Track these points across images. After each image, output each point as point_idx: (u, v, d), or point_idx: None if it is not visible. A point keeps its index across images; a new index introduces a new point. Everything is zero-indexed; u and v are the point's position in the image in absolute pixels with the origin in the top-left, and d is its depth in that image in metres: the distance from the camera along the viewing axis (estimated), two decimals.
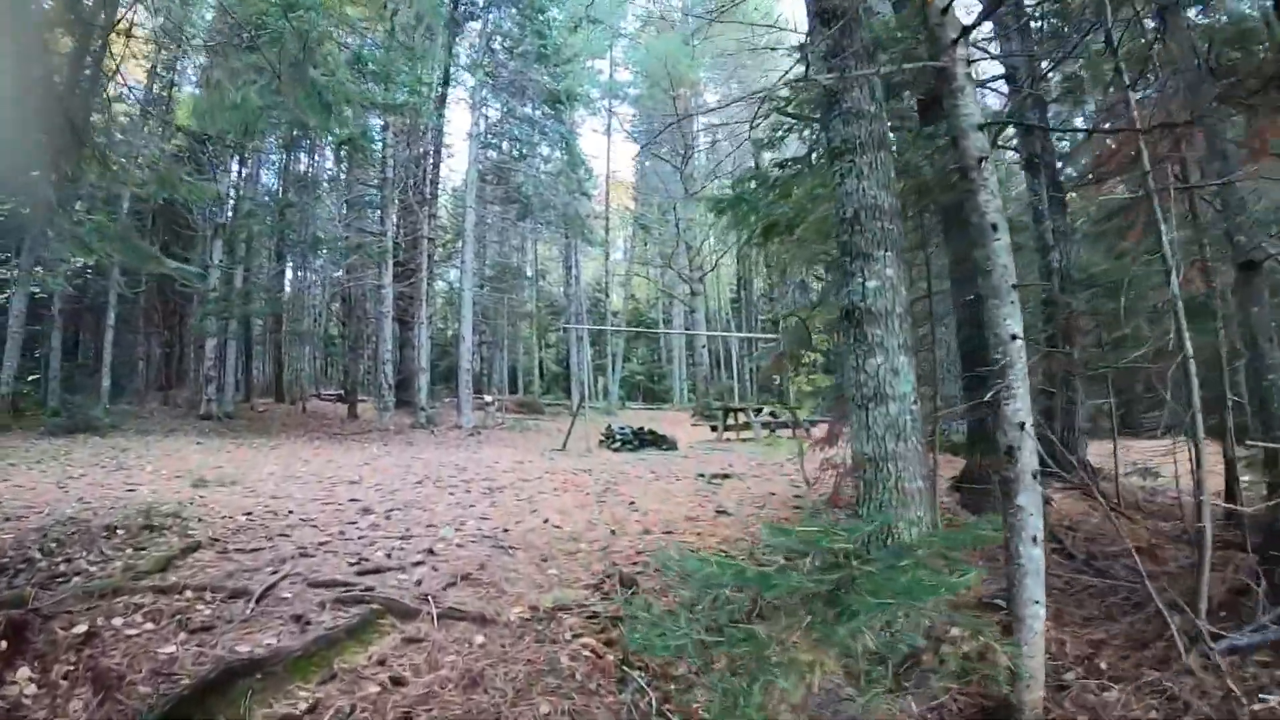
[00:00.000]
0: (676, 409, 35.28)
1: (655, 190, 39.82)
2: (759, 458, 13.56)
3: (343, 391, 31.76)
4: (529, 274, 38.48)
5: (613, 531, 6.24)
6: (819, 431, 19.65)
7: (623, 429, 16.59)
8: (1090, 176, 6.73)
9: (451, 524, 6.49)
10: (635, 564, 5.32)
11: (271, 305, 21.40)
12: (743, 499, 7.98)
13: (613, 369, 34.30)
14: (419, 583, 4.80)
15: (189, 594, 4.48)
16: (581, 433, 16.03)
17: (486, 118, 28.98)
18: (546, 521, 6.66)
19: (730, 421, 19.50)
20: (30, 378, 21.75)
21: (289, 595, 4.54)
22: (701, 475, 9.95)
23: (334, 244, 21.53)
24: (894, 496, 4.44)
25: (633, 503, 7.74)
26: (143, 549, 5.44)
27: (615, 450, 15.57)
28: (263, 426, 19.45)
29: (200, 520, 6.42)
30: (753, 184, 7.63)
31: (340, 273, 27.59)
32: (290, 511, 6.99)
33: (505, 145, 31.91)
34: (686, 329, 42.63)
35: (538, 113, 25.95)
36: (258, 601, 4.41)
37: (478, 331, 32.44)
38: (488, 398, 22.43)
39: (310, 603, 4.40)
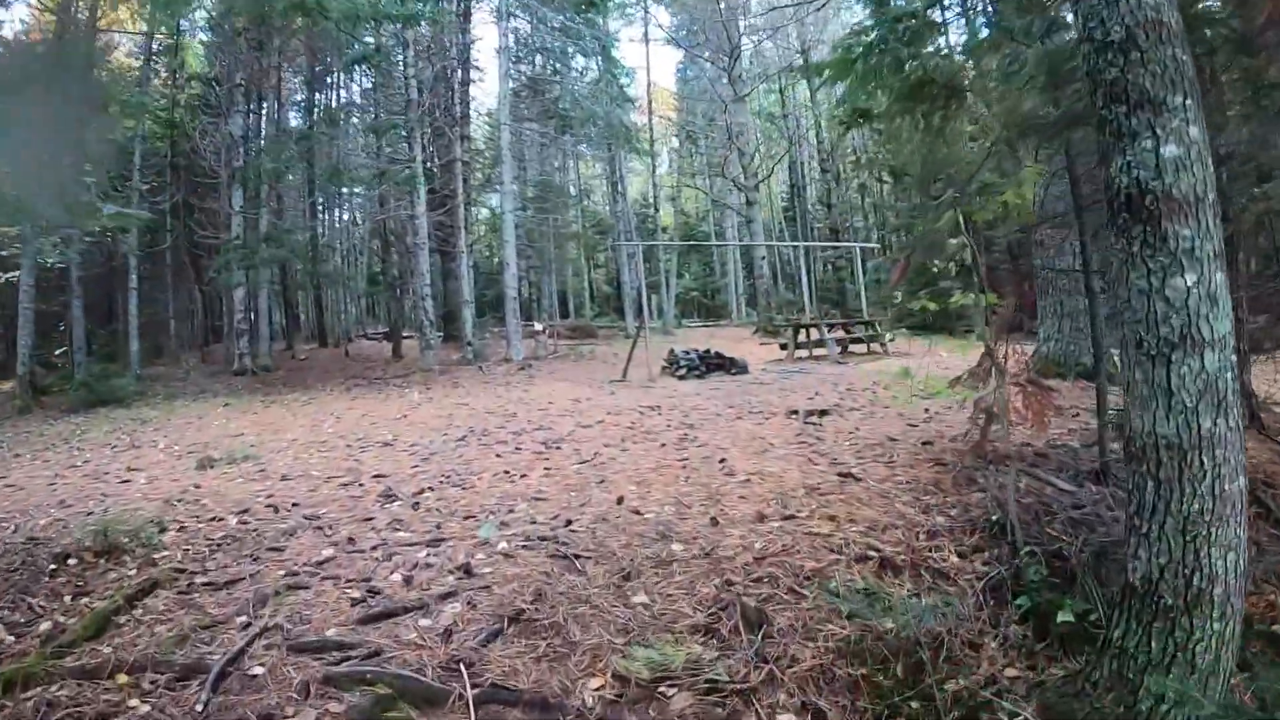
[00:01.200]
0: (735, 325, 33.65)
1: (700, 97, 37.57)
2: (846, 381, 11.95)
3: (387, 330, 30.69)
4: (573, 193, 36.67)
5: (714, 520, 4.62)
6: (896, 348, 18.14)
7: (687, 353, 15.03)
8: None
9: (496, 513, 5.00)
10: (758, 579, 3.78)
11: (297, 248, 19.84)
12: (859, 448, 6.37)
13: (666, 287, 32.63)
14: (448, 634, 3.30)
15: (122, 678, 3.06)
16: (642, 358, 14.51)
17: (516, 30, 27.06)
18: (621, 502, 5.08)
19: (801, 339, 17.84)
20: (60, 350, 20.75)
21: (260, 671, 3.08)
22: (795, 413, 8.34)
23: (355, 175, 19.91)
24: (1207, 506, 2.78)
25: (724, 461, 6.15)
26: (86, 591, 4.05)
27: (681, 378, 14.06)
28: (300, 377, 18.26)
29: (178, 530, 5.03)
30: (879, 33, 5.59)
31: (377, 207, 26.31)
32: (294, 505, 5.54)
33: (539, 60, 30.00)
34: (742, 240, 40.74)
35: (570, 21, 23.87)
36: (215, 686, 2.97)
37: (523, 257, 30.91)
38: (537, 326, 21.00)
39: (288, 685, 2.96)
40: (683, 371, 14.21)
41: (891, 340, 18.48)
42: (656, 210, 35.81)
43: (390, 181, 18.75)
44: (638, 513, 4.86)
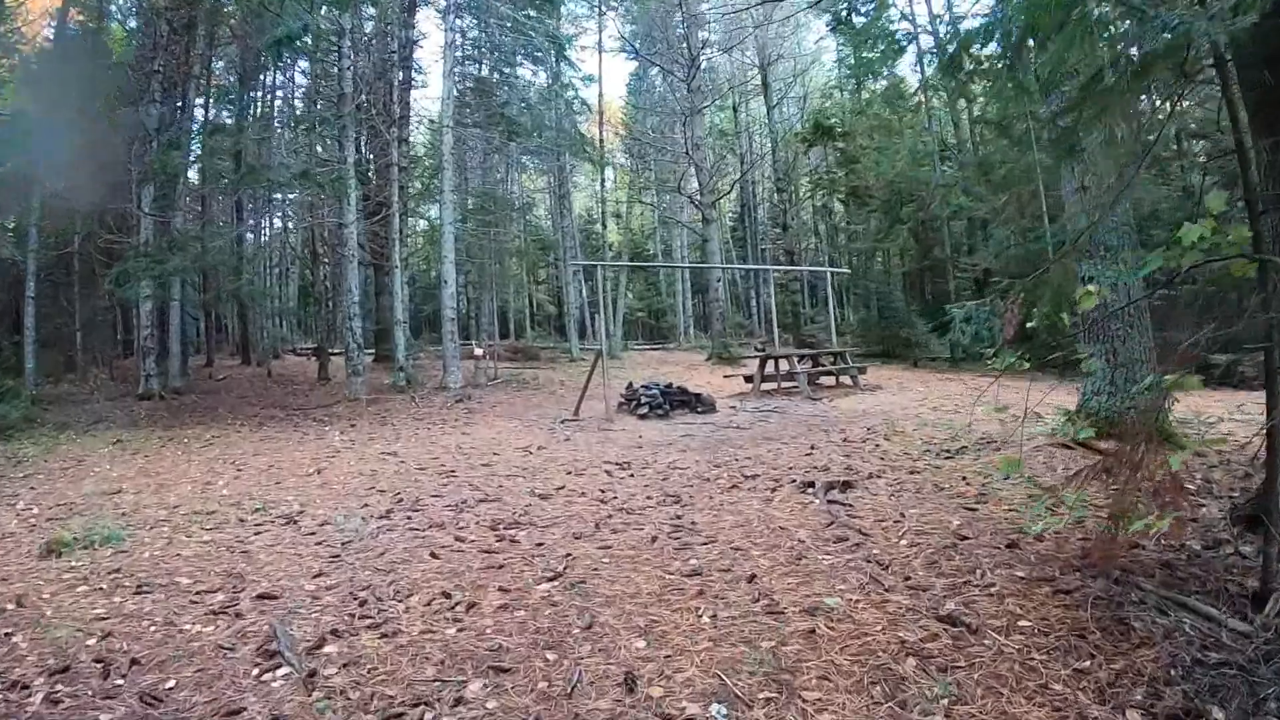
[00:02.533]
0: (685, 349, 32.17)
1: (654, 108, 36.17)
2: (836, 428, 10.44)
3: (314, 348, 28.55)
4: (516, 205, 34.93)
5: None
6: (868, 379, 16.78)
7: (648, 388, 13.37)
8: None
9: (437, 704, 3.26)
10: None
11: (215, 258, 17.70)
12: (926, 554, 4.69)
13: (613, 307, 30.98)
14: None
15: None
16: (597, 391, 12.87)
17: (463, 31, 25.35)
18: (633, 687, 3.28)
19: (769, 370, 16.33)
20: None
21: None
22: (809, 485, 6.68)
23: (275, 176, 17.89)
24: None
25: (754, 579, 4.40)
26: None
27: (642, 417, 12.42)
28: (212, 405, 16.18)
29: None
30: None
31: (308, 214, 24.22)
32: (134, 663, 3.70)
33: (486, 66, 28.33)
34: (697, 260, 39.31)
35: (521, 14, 22.13)
36: None
37: (463, 272, 29.06)
38: (478, 350, 19.19)
39: None
40: (644, 410, 12.56)
41: (862, 373, 17.10)
42: (603, 226, 34.20)
43: (314, 184, 16.75)
44: (652, 697, 3.15)
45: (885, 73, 30.82)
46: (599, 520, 5.89)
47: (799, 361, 16.00)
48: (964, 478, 6.84)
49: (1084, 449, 7.25)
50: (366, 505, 6.82)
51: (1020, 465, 4.15)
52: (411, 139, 26.89)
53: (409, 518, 6.25)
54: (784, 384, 15.98)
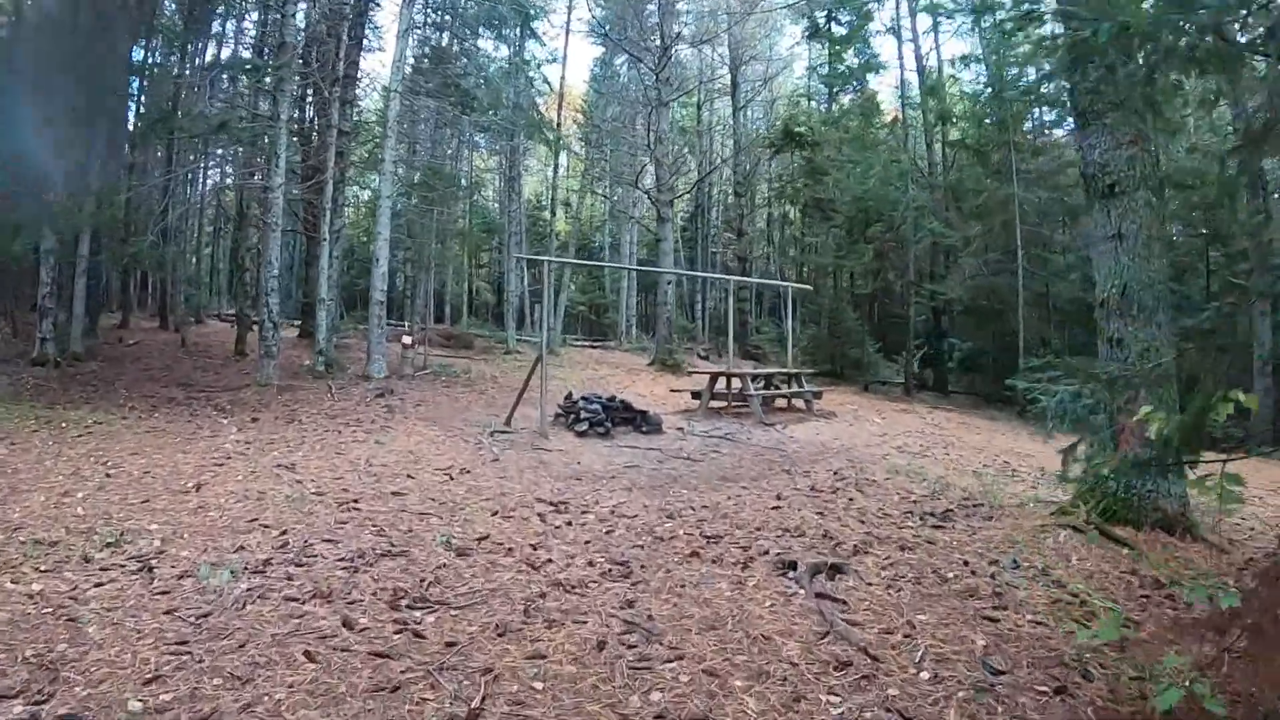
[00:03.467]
0: (626, 350, 31.04)
1: (616, 97, 34.91)
2: (798, 465, 9.45)
3: (235, 315, 26.74)
4: (464, 185, 33.39)
5: None
6: (821, 404, 15.84)
7: (589, 400, 12.15)
8: None
9: None
10: None
11: (108, 211, 15.86)
12: (962, 697, 3.57)
13: (554, 302, 29.62)
14: None
15: None
16: (533, 398, 11.70)
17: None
18: None
19: (719, 387, 15.29)
20: None
21: None
22: (789, 566, 5.46)
23: (186, 124, 16.22)
24: None
25: None
26: None
27: (581, 434, 11.25)
28: (109, 378, 14.56)
29: None
30: None
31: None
32: None
33: (446, 38, 26.78)
34: (647, 258, 38.15)
35: None
36: None
37: (401, 249, 27.47)
38: (406, 339, 17.75)
39: None
40: (584, 426, 11.37)
41: (817, 397, 16.18)
42: (552, 214, 32.82)
43: (234, 138, 15.20)
44: None
45: (857, 85, 30.12)
46: (529, 601, 4.66)
47: (753, 382, 14.94)
48: (965, 560, 5.80)
49: (1102, 535, 6.24)
50: (243, 549, 5.50)
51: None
52: (362, 104, 25.33)
53: (290, 576, 4.94)
54: (734, 403, 14.94)
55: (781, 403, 15.95)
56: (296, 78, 15.56)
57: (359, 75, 19.57)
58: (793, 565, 5.50)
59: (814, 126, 28.74)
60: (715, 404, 15.08)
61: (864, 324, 24.87)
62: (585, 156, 37.64)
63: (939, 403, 21.99)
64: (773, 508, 7.40)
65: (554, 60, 31.15)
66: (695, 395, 15.61)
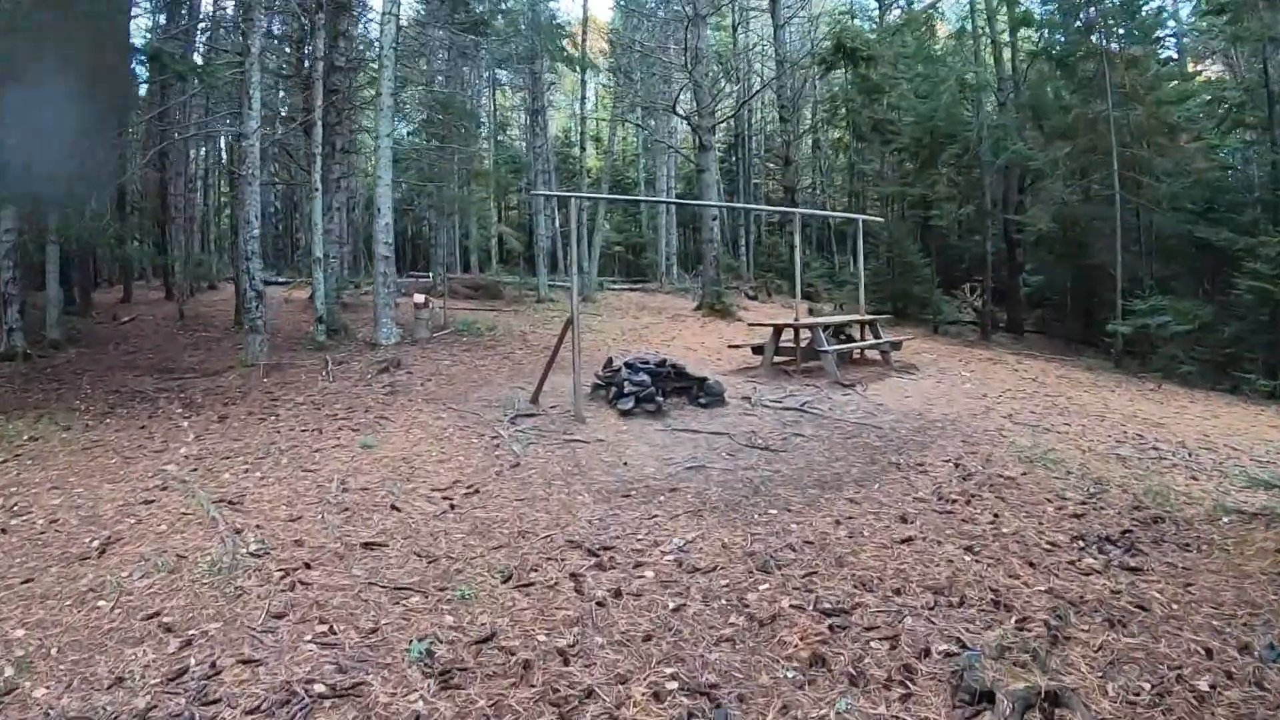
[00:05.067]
0: (667, 292, 28.65)
1: (645, 18, 32.03)
2: (904, 453, 7.28)
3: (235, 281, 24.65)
4: (484, 121, 30.92)
5: None
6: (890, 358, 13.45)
7: (633, 367, 9.72)
8: None
9: None
10: None
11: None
12: None
13: (589, 243, 27.25)
14: None
15: None
16: (566, 362, 9.47)
17: None
18: None
19: (786, 340, 12.94)
20: None
21: None
22: (984, 702, 3.19)
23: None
24: None
25: None
26: None
27: (627, 414, 8.96)
28: (79, 370, 12.53)
29: None
30: None
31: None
32: None
33: None
34: (685, 193, 35.55)
35: None
36: None
37: (424, 195, 25.07)
38: (419, 297, 15.52)
39: None
40: (629, 403, 9.05)
41: (896, 348, 13.83)
42: (581, 149, 30.22)
43: (171, 70, 12.86)
44: None
45: None
46: None
47: (826, 334, 12.56)
48: (1205, 649, 3.63)
49: None
50: (121, 681, 3.41)
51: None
52: (368, 38, 22.91)
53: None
54: (802, 359, 12.58)
55: (854, 353, 13.62)
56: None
57: (352, 3, 17.04)
58: (987, 696, 3.23)
59: (868, 40, 25.85)
60: (778, 359, 12.77)
61: (932, 259, 22.28)
62: (614, 87, 34.89)
63: (1019, 347, 19.52)
64: (903, 541, 5.18)
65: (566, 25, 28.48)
66: (756, 350, 13.27)
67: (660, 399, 9.14)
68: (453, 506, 5.93)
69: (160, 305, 21.02)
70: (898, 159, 25.15)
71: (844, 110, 26.69)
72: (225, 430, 8.51)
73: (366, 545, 5.16)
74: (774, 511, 5.90)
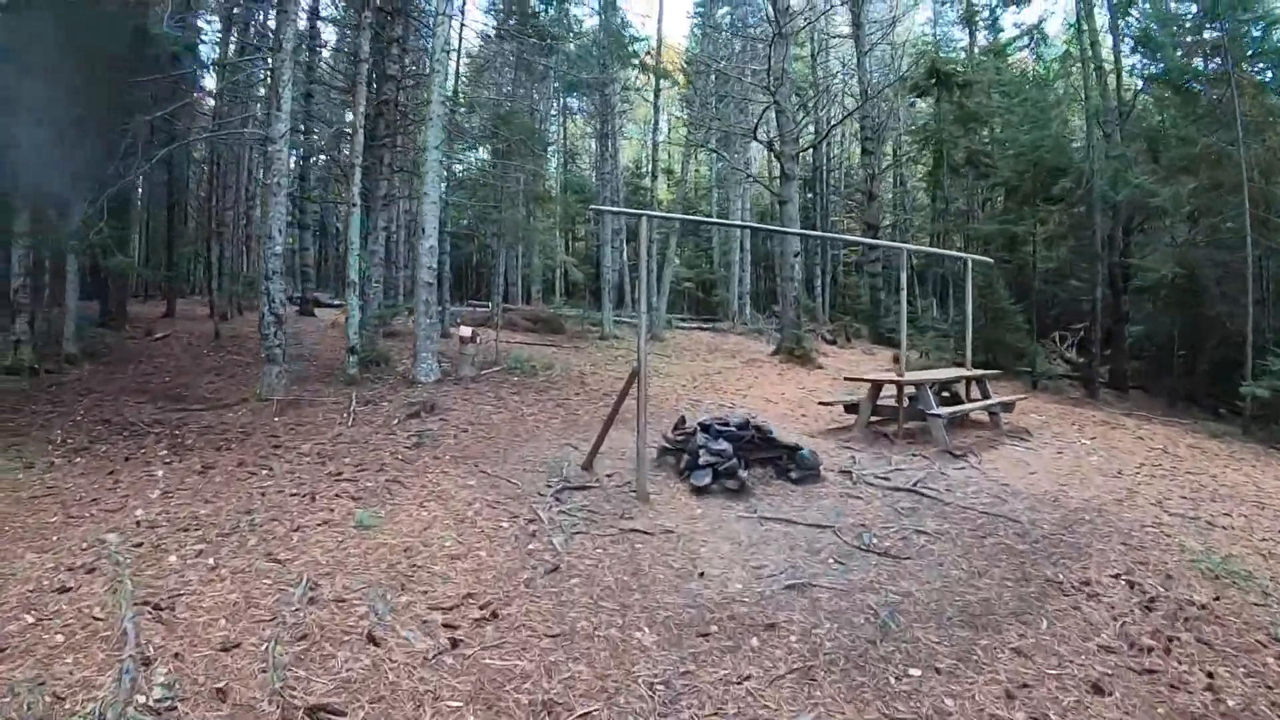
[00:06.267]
0: (738, 331, 26.77)
1: (721, 45, 30.51)
2: (1061, 564, 5.56)
3: (301, 298, 23.44)
4: (552, 142, 29.54)
5: None
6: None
7: (709, 431, 7.83)
8: None
9: None
10: None
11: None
12: None
13: (657, 277, 25.52)
14: None
15: None
16: (628, 417, 7.68)
17: None
18: None
19: (881, 396, 10.96)
20: None
21: None
22: None
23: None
24: None
25: None
26: None
27: (701, 492, 7.07)
28: (82, 390, 11.16)
29: None
30: None
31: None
32: None
33: None
34: (776, 223, 33.73)
35: None
36: None
37: (488, 221, 23.47)
38: (465, 330, 13.82)
39: None
40: (705, 477, 7.17)
41: (1008, 410, 11.81)
42: (653, 179, 28.64)
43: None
44: None
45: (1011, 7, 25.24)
46: None
47: (932, 391, 10.55)
48: None
49: None
50: None
51: None
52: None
53: None
54: (903, 419, 10.60)
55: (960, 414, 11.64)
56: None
57: (407, 5, 15.62)
58: None
59: (963, 64, 23.88)
60: (873, 418, 10.83)
61: (1032, 306, 20.05)
62: (688, 115, 33.37)
63: (1126, 405, 17.25)
64: None
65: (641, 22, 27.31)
66: (849, 409, 11.32)
67: (743, 473, 7.25)
68: (454, 644, 4.13)
69: (203, 323, 19.73)
70: (991, 195, 23.04)
71: (934, 142, 24.70)
72: (201, 487, 6.86)
73: (312, 713, 3.37)
74: (915, 672, 4.04)
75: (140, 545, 5.40)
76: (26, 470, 7.39)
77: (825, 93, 32.94)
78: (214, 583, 4.80)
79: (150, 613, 4.35)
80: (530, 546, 5.58)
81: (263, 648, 4.00)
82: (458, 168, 30.23)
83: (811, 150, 31.43)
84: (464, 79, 27.53)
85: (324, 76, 19.87)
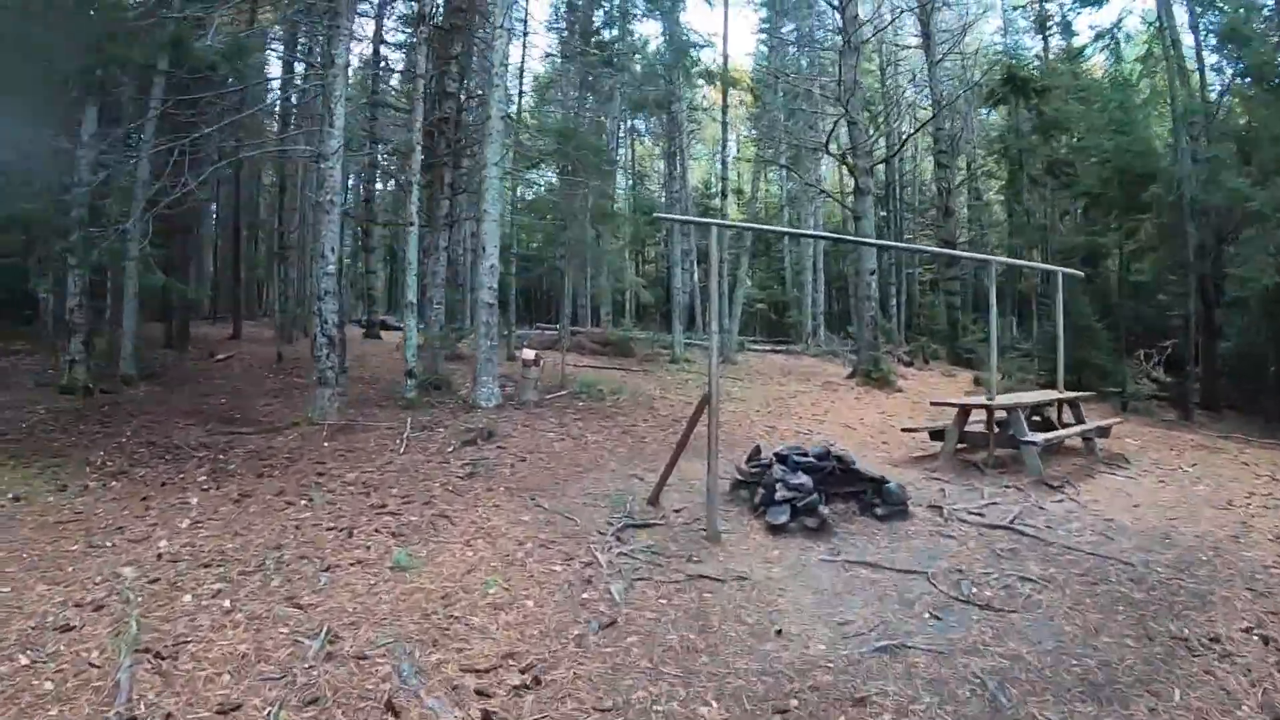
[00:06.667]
0: (812, 353, 25.91)
1: (789, 65, 29.84)
2: (1161, 585, 4.76)
3: (365, 320, 23.32)
4: (620, 161, 29.13)
5: None
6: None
7: (786, 461, 7.10)
8: None
9: None
10: None
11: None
12: None
13: (730, 300, 24.85)
14: None
15: None
16: (698, 445, 7.02)
17: None
18: None
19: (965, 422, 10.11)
20: None
21: None
22: None
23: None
24: None
25: None
26: None
27: (778, 531, 6.37)
28: (134, 412, 10.88)
29: None
30: None
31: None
32: None
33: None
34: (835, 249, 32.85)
35: None
36: None
37: (559, 244, 23.00)
38: (528, 353, 13.25)
39: None
40: (782, 515, 6.46)
41: (1104, 434, 10.88)
42: (723, 198, 28.02)
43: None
44: None
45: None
46: None
47: (1025, 416, 9.64)
48: None
49: None
50: None
51: None
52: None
53: None
54: (992, 445, 9.72)
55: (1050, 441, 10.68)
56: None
57: (467, 24, 15.27)
58: None
59: (1040, 70, 22.82)
60: (962, 450, 10.01)
61: (1118, 322, 18.85)
62: (758, 133, 32.74)
63: (1221, 427, 15.98)
64: None
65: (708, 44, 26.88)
66: (934, 436, 10.49)
67: (824, 509, 6.52)
68: (486, 717, 3.48)
69: (267, 345, 19.65)
70: (1071, 207, 21.89)
71: (1012, 152, 23.58)
72: (234, 517, 6.40)
73: None
74: None
75: (156, 581, 4.94)
76: (59, 493, 7.09)
77: (895, 106, 31.98)
78: (225, 629, 4.27)
79: (150, 662, 3.88)
80: (584, 595, 4.94)
81: (265, 711, 3.45)
82: (524, 191, 30.08)
83: (884, 166, 30.46)
84: (529, 98, 27.39)
85: (388, 98, 19.71)
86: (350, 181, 30.79)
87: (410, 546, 5.67)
